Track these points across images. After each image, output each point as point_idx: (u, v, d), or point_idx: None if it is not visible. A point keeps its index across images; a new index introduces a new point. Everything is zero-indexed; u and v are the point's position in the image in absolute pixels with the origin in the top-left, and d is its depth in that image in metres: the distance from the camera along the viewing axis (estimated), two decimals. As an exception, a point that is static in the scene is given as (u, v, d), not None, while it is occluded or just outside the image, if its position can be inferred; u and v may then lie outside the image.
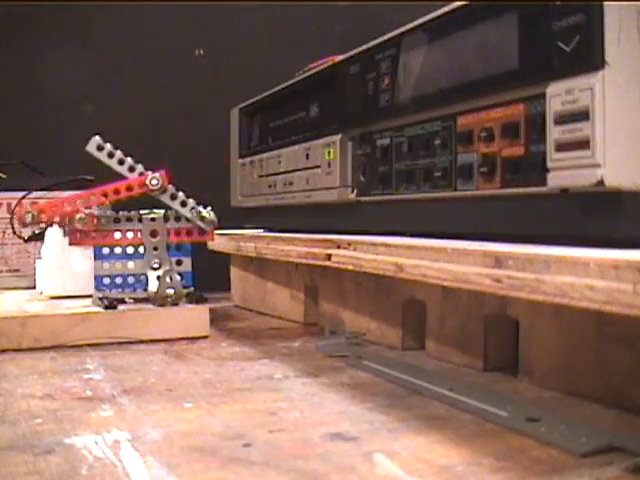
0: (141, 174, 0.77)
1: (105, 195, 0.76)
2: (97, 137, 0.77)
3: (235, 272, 1.04)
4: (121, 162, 0.77)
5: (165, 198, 0.77)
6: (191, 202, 0.77)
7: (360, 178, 0.71)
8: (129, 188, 0.76)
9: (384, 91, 0.66)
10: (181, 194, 0.77)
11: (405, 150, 0.64)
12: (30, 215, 0.75)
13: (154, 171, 0.77)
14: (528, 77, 0.49)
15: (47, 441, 0.42)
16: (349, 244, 0.65)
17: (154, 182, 0.76)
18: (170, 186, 0.77)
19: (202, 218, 0.77)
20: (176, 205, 0.77)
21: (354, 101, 0.71)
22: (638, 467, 0.36)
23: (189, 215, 0.77)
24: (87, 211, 0.76)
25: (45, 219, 0.75)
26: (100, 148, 0.77)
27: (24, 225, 0.76)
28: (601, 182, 0.43)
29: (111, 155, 0.77)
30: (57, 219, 0.75)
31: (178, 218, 0.78)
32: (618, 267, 0.37)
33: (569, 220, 0.47)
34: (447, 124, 0.58)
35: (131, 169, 0.77)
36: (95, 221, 0.76)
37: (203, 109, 1.23)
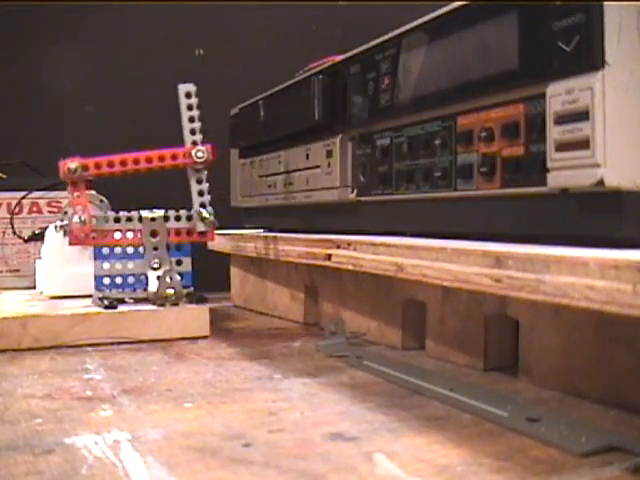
0: (194, 143, 0.76)
1: (149, 161, 0.75)
2: (191, 85, 0.77)
3: (235, 272, 1.04)
4: (191, 119, 0.77)
5: (193, 176, 0.76)
6: (208, 197, 0.77)
7: (360, 178, 0.71)
8: (174, 157, 0.76)
9: (384, 91, 0.66)
10: (206, 185, 0.77)
11: (405, 150, 0.64)
12: (74, 166, 0.74)
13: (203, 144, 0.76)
14: (528, 77, 0.49)
15: (47, 441, 0.42)
16: (349, 244, 0.65)
17: (199, 155, 0.75)
18: (205, 172, 0.77)
19: (202, 218, 0.77)
20: (194, 190, 0.77)
21: (354, 101, 0.71)
22: (638, 467, 0.36)
23: (195, 206, 0.77)
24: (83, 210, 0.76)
25: (90, 173, 0.74)
26: (188, 95, 0.77)
27: (70, 174, 0.74)
28: (601, 182, 0.43)
29: (190, 108, 0.77)
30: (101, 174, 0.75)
31: (178, 218, 0.78)
32: (618, 267, 0.37)
33: (569, 220, 0.47)
34: (447, 124, 0.58)
35: (192, 132, 0.77)
36: (93, 222, 0.76)
37: (203, 109, 1.23)
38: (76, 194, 0.75)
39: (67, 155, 1.08)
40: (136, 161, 0.75)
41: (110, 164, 0.75)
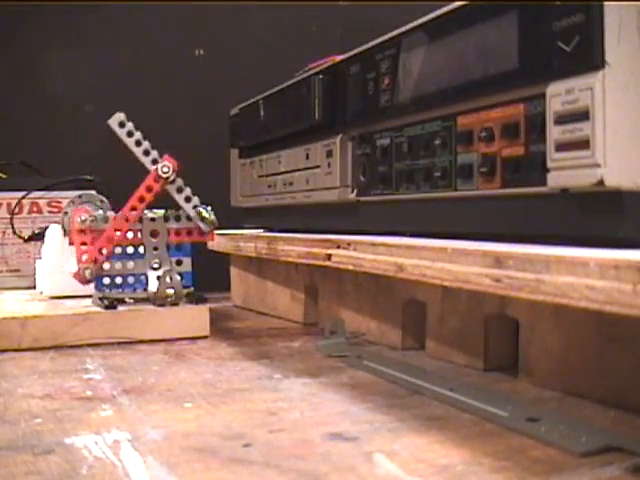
0: (154, 161, 0.76)
1: (134, 209, 0.76)
2: (121, 114, 0.77)
3: (235, 272, 1.04)
4: (138, 143, 0.77)
5: (172, 189, 0.77)
6: (195, 199, 0.77)
7: (360, 178, 0.71)
8: (149, 189, 0.76)
9: (384, 91, 0.66)
10: (188, 189, 0.77)
11: (405, 150, 0.64)
12: (89, 271, 0.75)
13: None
14: (528, 77, 0.49)
15: (47, 441, 0.42)
16: (349, 244, 0.65)
17: (165, 170, 0.76)
18: (179, 179, 0.77)
19: (202, 218, 0.77)
20: (181, 199, 0.77)
21: (354, 101, 0.71)
22: (638, 467, 0.36)
23: (191, 212, 0.77)
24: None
25: (98, 260, 0.76)
26: (122, 125, 0.77)
27: (88, 282, 0.76)
28: (601, 182, 0.43)
29: (130, 134, 0.77)
30: (106, 253, 0.76)
31: (178, 218, 0.78)
32: (618, 267, 0.37)
33: (569, 220, 0.47)
34: (447, 124, 0.58)
35: (146, 152, 0.77)
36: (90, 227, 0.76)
37: (203, 109, 1.23)
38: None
39: (67, 155, 1.08)
40: (127, 219, 0.76)
41: (110, 240, 0.76)
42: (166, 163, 0.76)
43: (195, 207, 0.77)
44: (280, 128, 0.86)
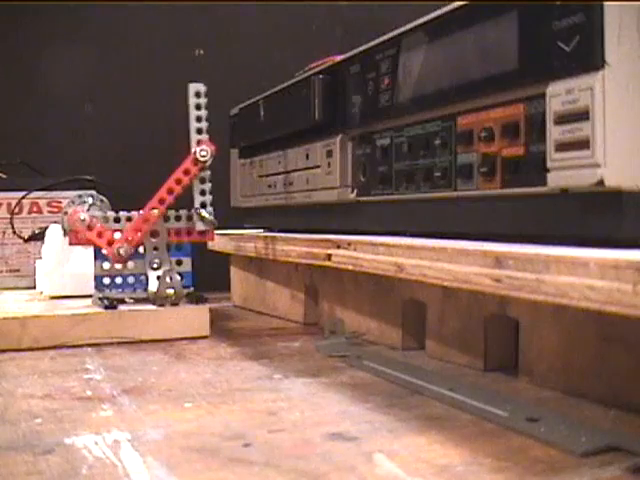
0: (199, 142, 0.76)
1: (171, 191, 0.76)
2: (203, 86, 0.77)
3: (235, 272, 1.04)
4: (199, 119, 0.76)
5: (196, 177, 0.77)
6: (209, 197, 0.77)
7: (360, 178, 0.71)
8: (186, 172, 0.76)
9: (384, 91, 0.66)
10: (209, 185, 0.77)
11: (405, 150, 0.64)
12: (123, 249, 0.75)
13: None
14: (528, 77, 0.49)
15: (47, 441, 0.42)
16: (349, 244, 0.65)
17: (203, 154, 0.75)
18: (209, 172, 0.77)
19: (201, 218, 0.77)
20: (197, 189, 0.77)
21: (354, 101, 0.71)
22: (638, 467, 0.36)
23: (196, 204, 0.77)
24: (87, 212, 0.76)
25: (135, 243, 0.76)
26: (197, 95, 0.77)
27: (123, 260, 0.76)
28: (601, 182, 0.43)
29: (198, 107, 0.76)
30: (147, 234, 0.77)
31: (178, 218, 0.78)
32: (618, 267, 0.37)
33: (569, 220, 0.47)
34: (447, 124, 0.58)
35: (199, 131, 0.76)
36: (94, 221, 0.76)
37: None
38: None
39: (67, 155, 1.08)
40: (162, 200, 0.76)
41: (146, 220, 0.76)
42: (204, 147, 0.76)
43: (202, 204, 0.77)
44: (280, 128, 0.86)
